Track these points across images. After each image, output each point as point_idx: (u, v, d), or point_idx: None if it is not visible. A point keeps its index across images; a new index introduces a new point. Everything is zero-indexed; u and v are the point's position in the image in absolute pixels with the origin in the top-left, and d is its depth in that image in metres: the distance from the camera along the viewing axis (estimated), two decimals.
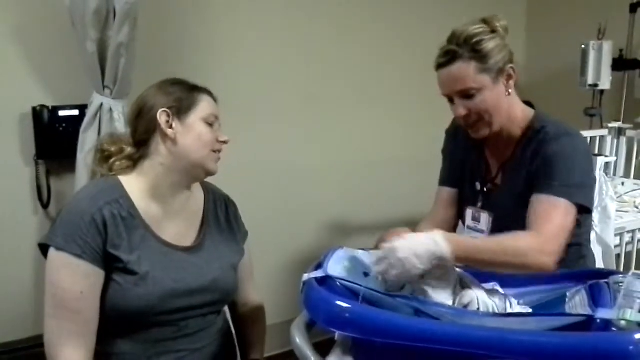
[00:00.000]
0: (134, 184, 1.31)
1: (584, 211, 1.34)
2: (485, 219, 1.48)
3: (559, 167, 1.31)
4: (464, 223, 1.55)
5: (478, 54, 1.31)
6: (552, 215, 1.26)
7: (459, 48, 1.32)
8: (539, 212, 1.28)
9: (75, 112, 2.20)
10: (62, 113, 2.19)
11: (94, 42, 2.00)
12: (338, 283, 1.12)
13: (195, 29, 2.49)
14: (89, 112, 2.09)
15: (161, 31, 2.38)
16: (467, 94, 1.34)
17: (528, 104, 1.47)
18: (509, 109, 1.39)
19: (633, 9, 2.83)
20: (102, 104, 2.06)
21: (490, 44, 1.32)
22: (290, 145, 2.82)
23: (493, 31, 1.34)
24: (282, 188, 2.83)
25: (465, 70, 1.31)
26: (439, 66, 1.36)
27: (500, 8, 3.35)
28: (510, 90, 1.37)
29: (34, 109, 2.16)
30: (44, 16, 2.15)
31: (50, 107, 2.18)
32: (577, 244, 1.43)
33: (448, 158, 1.61)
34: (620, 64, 2.88)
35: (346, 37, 2.89)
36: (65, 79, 2.20)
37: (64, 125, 2.19)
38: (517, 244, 1.20)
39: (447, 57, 1.33)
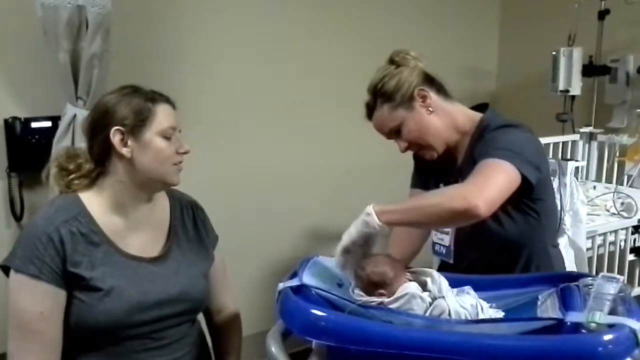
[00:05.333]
0: (93, 200, 1.29)
1: (528, 185, 1.30)
2: None
3: (499, 140, 1.34)
4: None
5: (384, 96, 1.44)
6: (484, 170, 1.25)
7: (372, 99, 1.47)
8: (473, 172, 1.27)
9: (48, 124, 2.17)
10: (34, 125, 2.16)
11: (67, 52, 1.98)
12: (313, 292, 1.13)
13: (171, 38, 2.48)
14: (62, 124, 2.07)
15: (135, 41, 2.36)
16: (395, 131, 1.46)
17: (485, 106, 1.52)
18: (445, 123, 1.46)
19: (601, 16, 2.89)
20: (75, 115, 2.04)
21: (391, 82, 1.43)
22: (270, 153, 2.82)
23: (399, 65, 1.45)
24: (259, 196, 2.82)
25: (381, 114, 1.46)
26: (368, 118, 1.51)
27: (473, 16, 3.46)
28: (430, 109, 1.44)
29: (5, 120, 2.13)
30: (16, 27, 2.12)
31: (22, 119, 2.15)
32: (539, 235, 1.44)
33: (419, 162, 1.66)
34: (590, 69, 2.94)
35: (328, 43, 2.90)
36: (37, 90, 2.18)
37: (36, 137, 2.16)
38: (443, 193, 1.24)
39: (367, 111, 1.50)
